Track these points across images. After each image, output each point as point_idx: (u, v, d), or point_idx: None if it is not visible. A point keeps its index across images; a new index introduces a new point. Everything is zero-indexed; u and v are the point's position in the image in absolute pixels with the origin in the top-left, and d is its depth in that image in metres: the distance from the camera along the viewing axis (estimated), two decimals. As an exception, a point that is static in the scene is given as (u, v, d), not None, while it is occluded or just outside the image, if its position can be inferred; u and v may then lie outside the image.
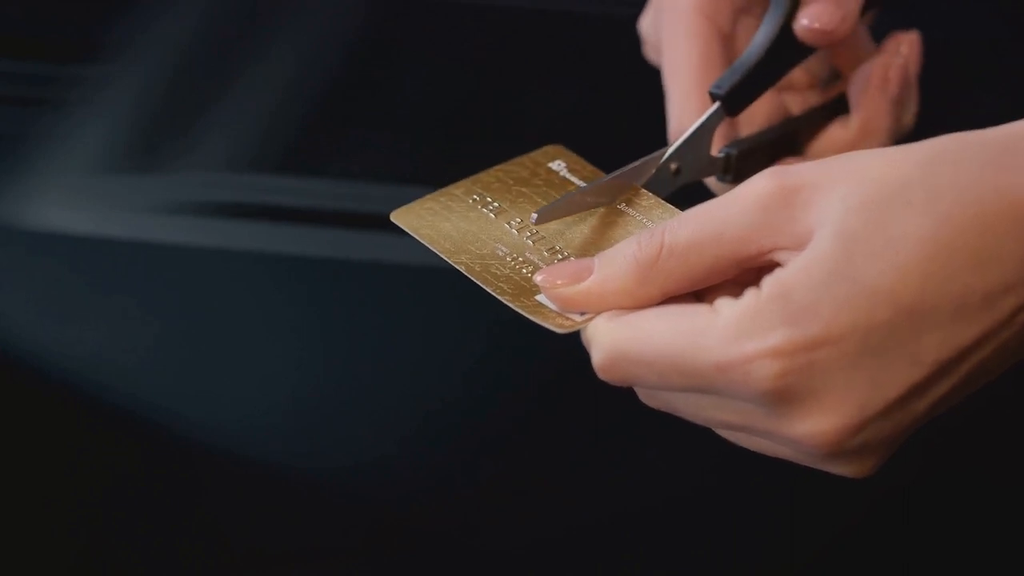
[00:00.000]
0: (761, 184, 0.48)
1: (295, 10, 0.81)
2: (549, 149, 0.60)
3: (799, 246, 0.47)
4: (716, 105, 0.59)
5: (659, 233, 0.49)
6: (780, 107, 0.65)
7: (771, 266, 0.49)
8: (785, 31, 0.60)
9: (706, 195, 0.54)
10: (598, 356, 0.49)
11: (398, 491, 0.77)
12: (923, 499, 0.76)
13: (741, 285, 0.49)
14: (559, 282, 0.51)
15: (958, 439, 0.73)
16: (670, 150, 0.58)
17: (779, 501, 0.76)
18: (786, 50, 0.61)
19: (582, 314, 0.51)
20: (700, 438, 0.76)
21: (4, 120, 0.80)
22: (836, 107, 0.65)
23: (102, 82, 0.80)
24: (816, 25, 0.60)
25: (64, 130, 0.80)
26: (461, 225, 0.55)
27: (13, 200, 0.78)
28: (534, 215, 0.53)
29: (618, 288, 0.50)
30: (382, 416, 0.77)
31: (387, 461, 0.77)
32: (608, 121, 0.80)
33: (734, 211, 0.48)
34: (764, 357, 0.46)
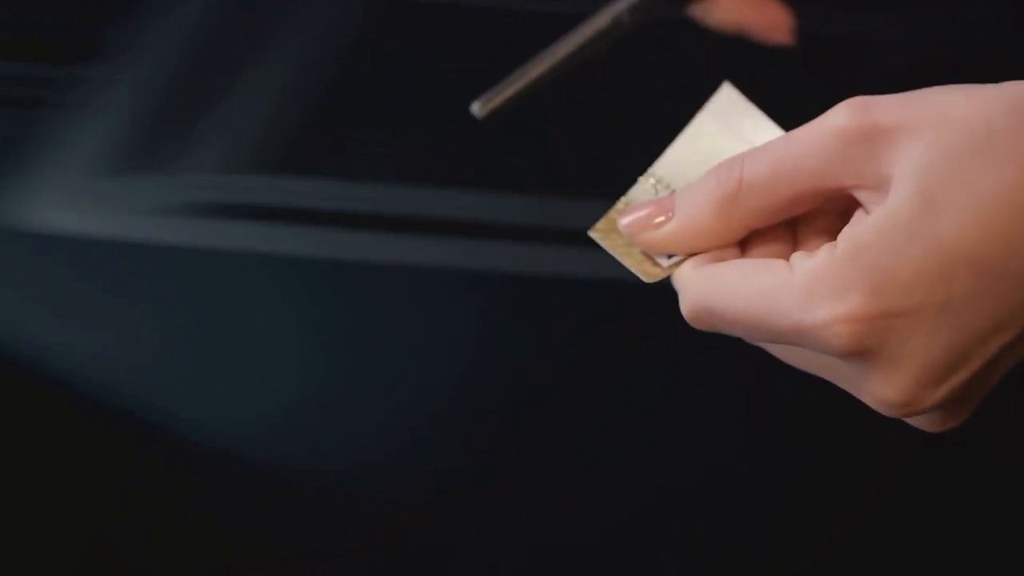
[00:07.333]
0: (842, 118, 0.47)
1: (294, 10, 0.81)
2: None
3: (879, 187, 0.46)
4: None
5: (737, 168, 0.49)
6: None
7: (854, 201, 0.48)
8: None
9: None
10: (685, 308, 0.50)
11: (398, 492, 0.77)
12: (926, 498, 0.76)
13: (832, 214, 0.49)
14: (642, 227, 0.51)
15: (963, 435, 0.73)
16: None
17: (779, 501, 0.76)
18: None
19: (669, 257, 0.51)
20: (701, 438, 0.76)
21: (4, 122, 0.80)
22: None
23: (102, 83, 0.80)
24: None
25: (64, 132, 0.80)
26: None
27: (13, 201, 0.78)
28: (475, 104, 0.52)
29: (700, 228, 0.49)
30: (382, 417, 0.77)
31: (387, 462, 0.77)
32: (608, 122, 0.80)
33: (812, 145, 0.48)
34: (838, 322, 0.45)
